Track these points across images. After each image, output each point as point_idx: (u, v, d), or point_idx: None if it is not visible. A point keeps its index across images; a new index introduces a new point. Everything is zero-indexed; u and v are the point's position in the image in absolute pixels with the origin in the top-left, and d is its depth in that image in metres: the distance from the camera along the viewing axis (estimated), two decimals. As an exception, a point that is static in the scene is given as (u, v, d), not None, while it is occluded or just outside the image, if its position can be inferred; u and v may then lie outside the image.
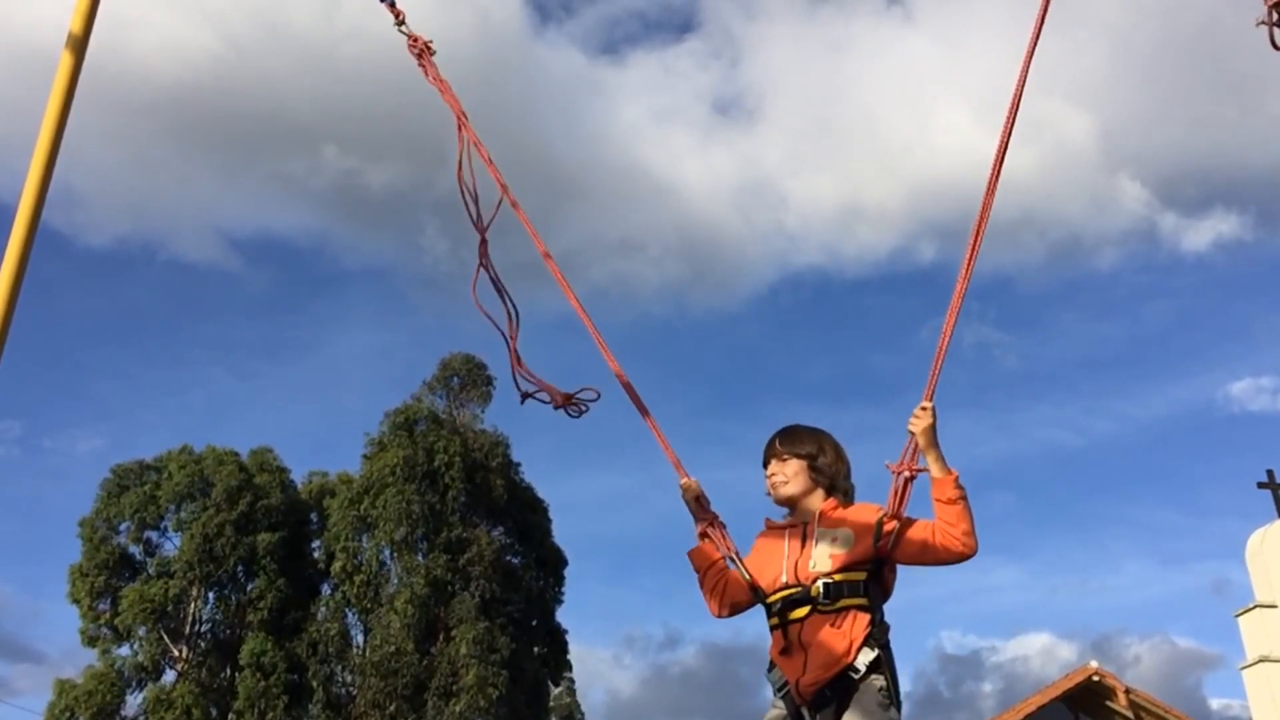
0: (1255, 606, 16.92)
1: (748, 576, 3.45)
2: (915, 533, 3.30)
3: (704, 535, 3.62)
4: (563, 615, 29.28)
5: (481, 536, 27.03)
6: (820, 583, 3.31)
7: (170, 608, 26.12)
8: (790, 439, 3.62)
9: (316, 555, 28.20)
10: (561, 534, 29.70)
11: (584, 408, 3.90)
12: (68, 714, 24.84)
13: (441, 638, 25.86)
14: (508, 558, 27.78)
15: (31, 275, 3.14)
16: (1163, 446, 60.18)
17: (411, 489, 26.53)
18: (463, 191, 3.97)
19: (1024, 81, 3.37)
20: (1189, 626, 64.10)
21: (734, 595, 3.54)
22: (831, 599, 3.29)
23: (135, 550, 27.35)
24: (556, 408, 3.90)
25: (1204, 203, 67.59)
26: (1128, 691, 18.82)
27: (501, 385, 30.59)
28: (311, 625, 26.48)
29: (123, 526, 27.24)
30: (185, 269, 47.74)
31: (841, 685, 3.24)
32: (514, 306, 3.96)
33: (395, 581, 26.54)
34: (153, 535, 27.50)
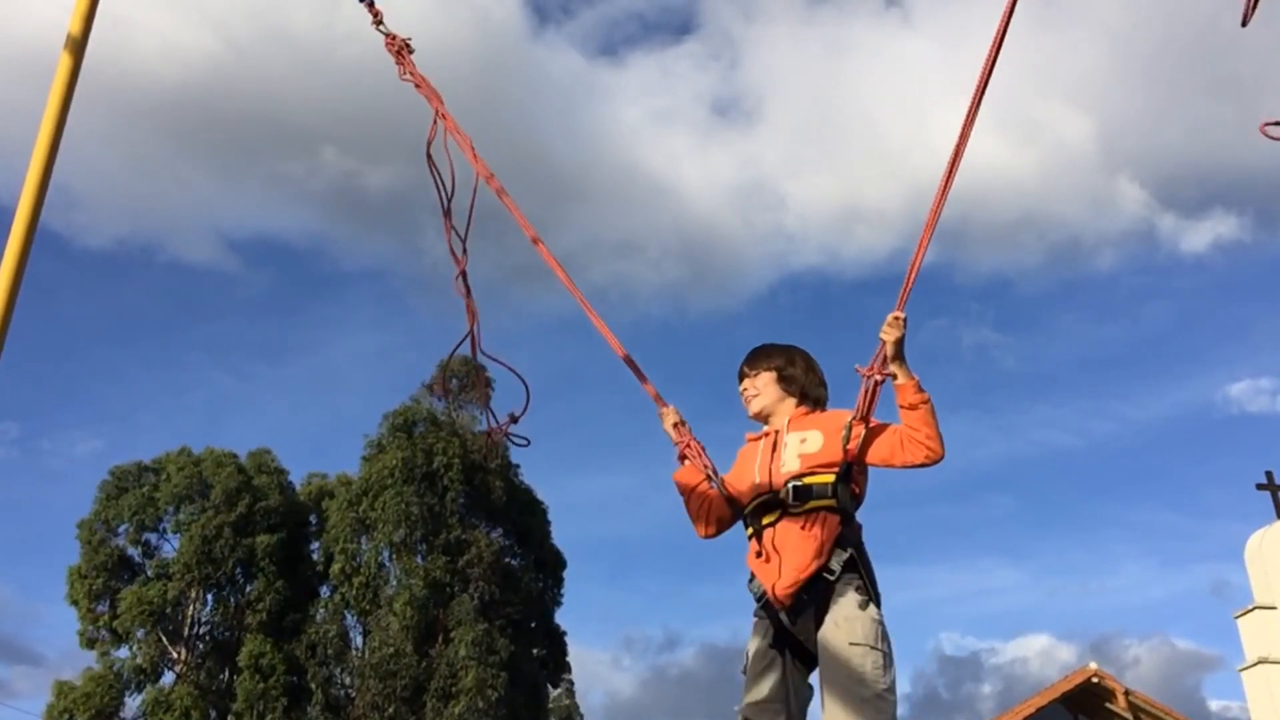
0: (1254, 608, 16.92)
1: (720, 485, 3.54)
2: (883, 435, 3.39)
3: (683, 458, 3.71)
4: (562, 617, 29.32)
5: (480, 538, 27.02)
6: (789, 485, 3.37)
7: (169, 610, 26.09)
8: (758, 355, 3.75)
9: (315, 557, 28.17)
10: (560, 536, 29.73)
11: (507, 440, 3.99)
12: (66, 716, 24.80)
13: (440, 639, 25.84)
14: (507, 559, 27.77)
15: (30, 276, 3.14)
16: (1162, 448, 60.24)
17: (410, 491, 26.53)
18: (435, 175, 3.96)
19: (993, 62, 3.47)
20: (1188, 628, 64.16)
21: (718, 512, 3.60)
22: (800, 500, 3.35)
23: (134, 552, 27.34)
24: (491, 432, 3.98)
25: (1203, 204, 67.69)
26: (1127, 693, 18.81)
27: (502, 386, 30.57)
28: (310, 627, 26.46)
29: (121, 528, 27.22)
30: (184, 270, 47.80)
31: (818, 588, 3.27)
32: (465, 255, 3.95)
33: (394, 583, 26.52)
34: (151, 537, 27.50)
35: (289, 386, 50.98)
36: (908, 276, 3.37)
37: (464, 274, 3.93)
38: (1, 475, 45.17)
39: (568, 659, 29.57)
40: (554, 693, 29.96)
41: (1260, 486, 17.69)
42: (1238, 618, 17.25)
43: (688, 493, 3.66)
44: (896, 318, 3.30)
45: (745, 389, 3.71)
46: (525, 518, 28.66)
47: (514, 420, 3.92)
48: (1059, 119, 53.59)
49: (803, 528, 3.32)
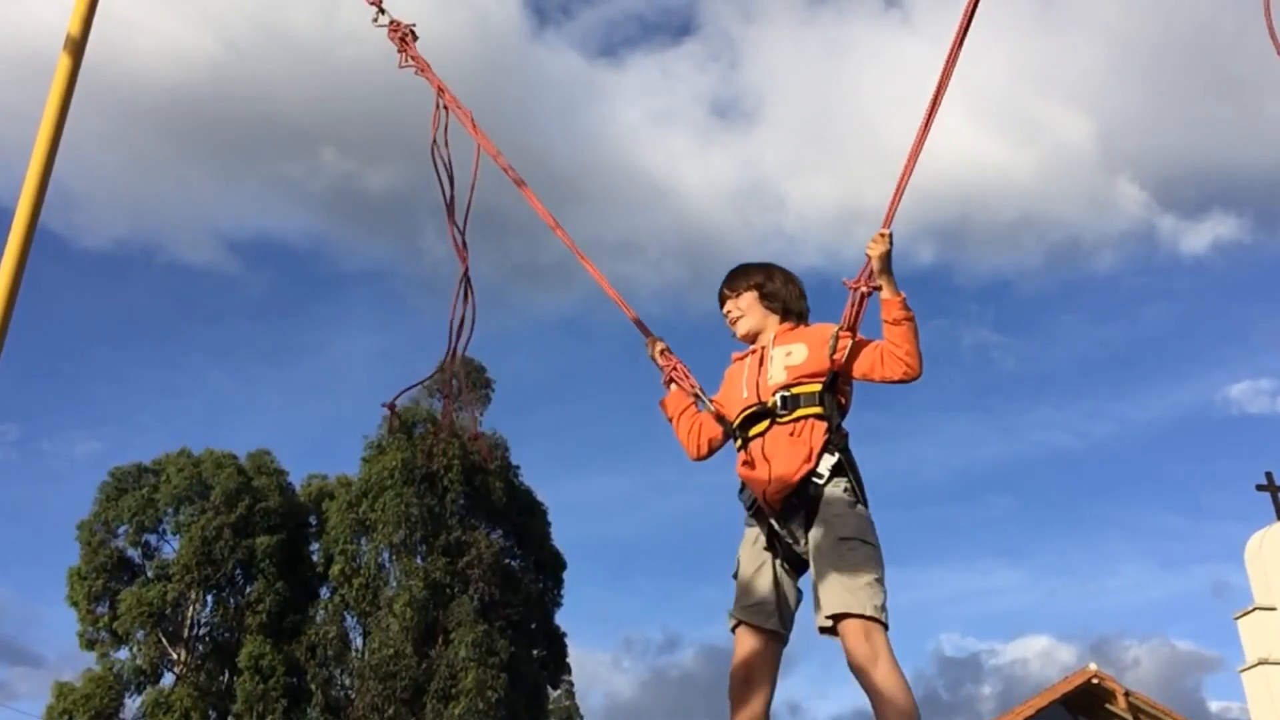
0: (1254, 609, 16.93)
1: (709, 405, 3.62)
2: (867, 348, 3.47)
3: (669, 383, 3.78)
4: (562, 618, 29.32)
5: (480, 539, 27.02)
6: (778, 395, 3.45)
7: (169, 611, 26.09)
8: (737, 275, 3.80)
9: (315, 558, 28.17)
10: (560, 537, 29.73)
11: (458, 401, 4.01)
12: (66, 717, 24.79)
13: (440, 641, 25.84)
14: (507, 560, 27.78)
15: (29, 277, 3.14)
16: (1162, 449, 60.18)
17: (410, 492, 26.53)
18: (436, 165, 3.95)
19: (955, 56, 3.55)
20: (1188, 629, 64.11)
21: (708, 433, 3.68)
22: (789, 409, 3.43)
23: (134, 553, 27.33)
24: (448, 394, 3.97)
25: (1202, 205, 67.61)
26: (1127, 694, 18.81)
27: (501, 388, 30.63)
28: (310, 628, 26.46)
29: (121, 529, 27.21)
30: (183, 271, 47.73)
31: (807, 491, 3.33)
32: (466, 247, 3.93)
33: (394, 584, 26.52)
34: (151, 538, 27.48)
35: (289, 387, 50.94)
36: (894, 195, 3.44)
37: (465, 270, 3.91)
38: (1, 476, 45.15)
39: (568, 660, 29.60)
40: (554, 694, 29.95)
41: (1260, 487, 17.70)
42: (1238, 619, 17.26)
43: (677, 416, 3.75)
44: (883, 234, 3.38)
45: (729, 311, 3.77)
46: (525, 519, 28.66)
47: (458, 390, 3.93)
48: (1059, 120, 53.58)
49: (791, 434, 3.39)
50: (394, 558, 26.88)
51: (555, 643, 28.84)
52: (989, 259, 59.02)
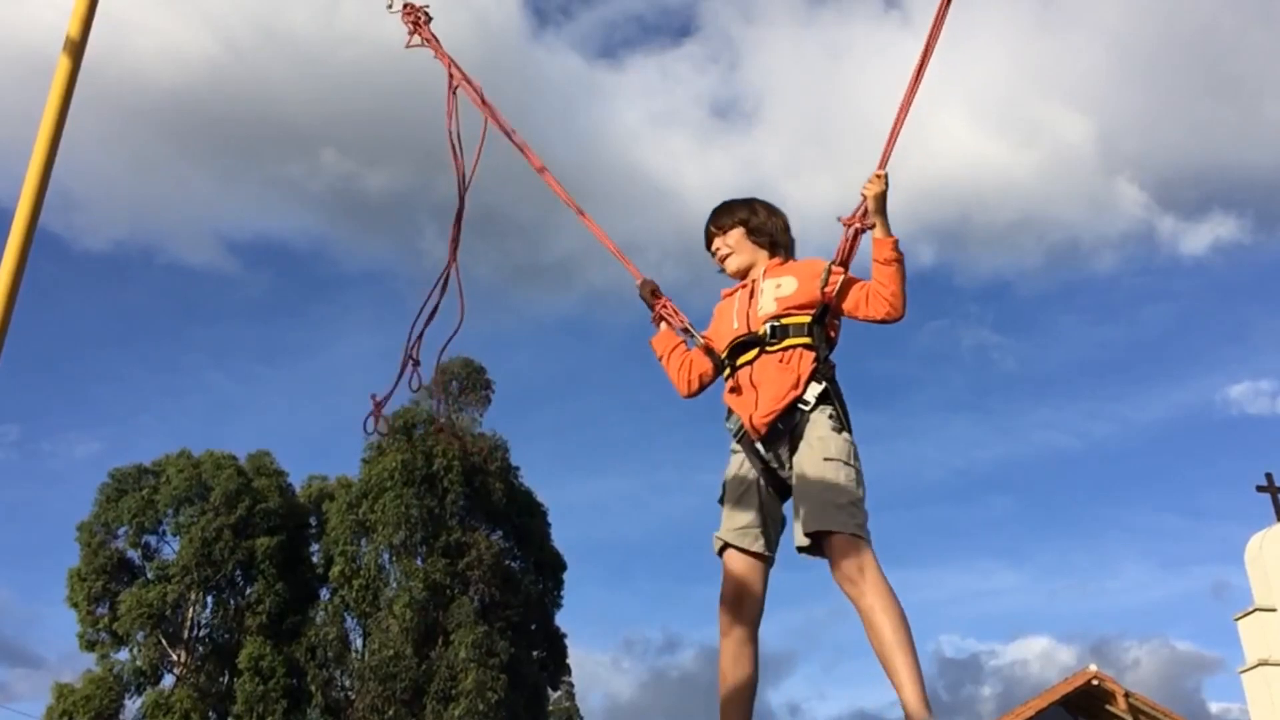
0: (1254, 610, 16.92)
1: (699, 340, 3.67)
2: (855, 286, 3.55)
3: (658, 320, 3.83)
4: (562, 619, 29.32)
5: (480, 540, 27.02)
6: (767, 325, 3.51)
7: (169, 612, 26.10)
8: (721, 213, 3.84)
9: (315, 559, 28.18)
10: (560, 538, 29.73)
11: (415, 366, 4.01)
12: (66, 718, 24.80)
13: (440, 642, 25.84)
14: (507, 562, 27.77)
15: (29, 278, 3.14)
16: (1162, 449, 60.15)
17: (410, 493, 26.53)
18: (452, 144, 3.97)
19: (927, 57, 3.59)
20: (1188, 630, 64.10)
21: (699, 368, 3.72)
22: (778, 339, 3.49)
23: (133, 554, 27.34)
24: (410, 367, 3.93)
25: (1202, 205, 67.59)
26: (1127, 695, 18.80)
27: (501, 389, 30.61)
28: (310, 629, 26.46)
29: (121, 530, 27.21)
30: (183, 272, 47.72)
31: (793, 418, 3.39)
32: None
33: (394, 585, 26.52)
34: (151, 539, 27.49)
35: (289, 388, 50.92)
36: (889, 137, 3.51)
37: (454, 252, 3.92)
38: (1, 477, 45.15)
39: (568, 661, 29.61)
40: (554, 695, 29.96)
41: (1260, 489, 17.69)
42: (1238, 620, 17.25)
43: (667, 353, 3.79)
44: (879, 175, 3.45)
45: (718, 249, 3.81)
46: (525, 520, 28.66)
47: (415, 361, 3.95)
48: (1058, 120, 53.59)
49: (780, 362, 3.46)
50: (394, 559, 26.88)
51: (555, 644, 28.84)
52: (989, 259, 59.04)
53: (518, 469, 29.39)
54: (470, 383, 29.73)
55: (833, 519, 3.21)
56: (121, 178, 50.23)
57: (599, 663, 48.84)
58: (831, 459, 3.30)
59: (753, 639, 3.38)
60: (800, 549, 3.31)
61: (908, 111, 3.54)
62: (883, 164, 3.48)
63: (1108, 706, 18.90)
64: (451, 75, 4.01)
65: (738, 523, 3.42)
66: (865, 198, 3.46)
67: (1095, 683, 18.80)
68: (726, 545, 3.42)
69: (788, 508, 3.46)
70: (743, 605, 3.38)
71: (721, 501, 3.51)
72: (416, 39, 4.05)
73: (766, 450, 3.41)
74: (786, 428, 3.39)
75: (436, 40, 4.04)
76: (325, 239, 54.15)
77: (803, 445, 3.36)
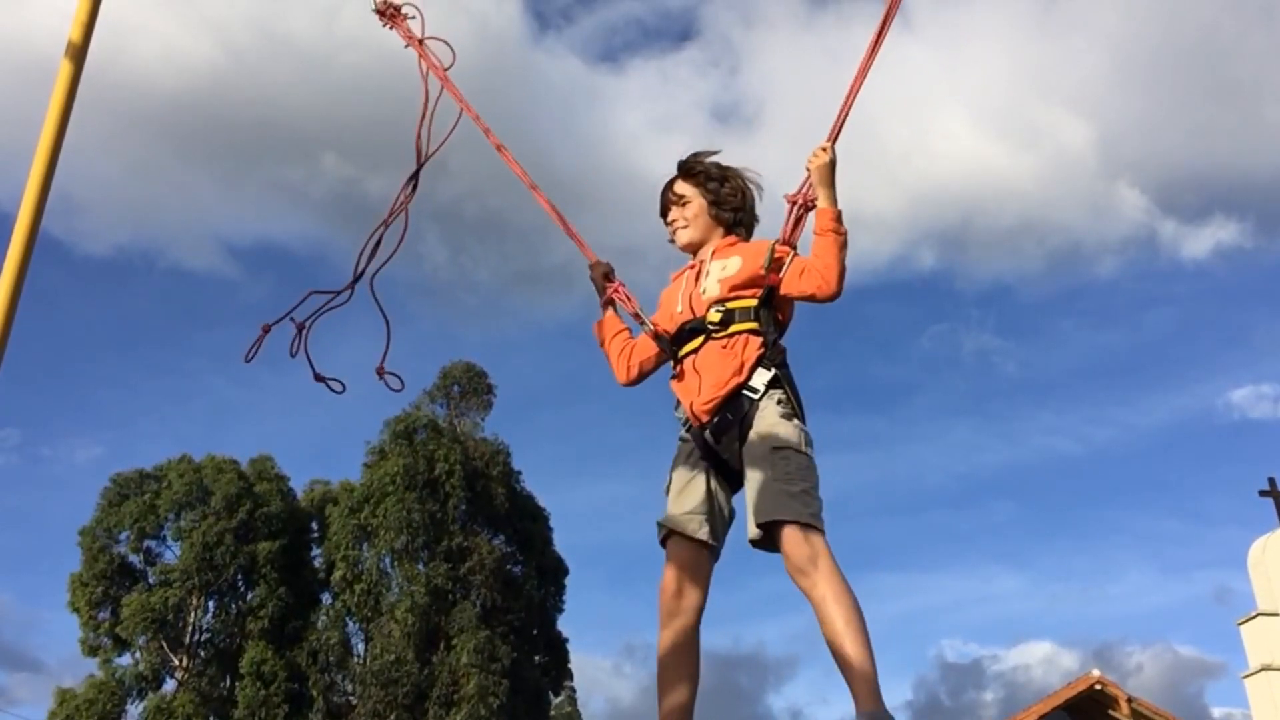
0: (1257, 615, 16.91)
1: (648, 326, 3.51)
2: (798, 262, 3.37)
3: (607, 304, 3.70)
4: (563, 624, 29.32)
5: (482, 545, 27.02)
6: (712, 309, 3.38)
7: (170, 617, 26.09)
8: (688, 178, 3.65)
9: (317, 564, 28.19)
10: (562, 542, 29.74)
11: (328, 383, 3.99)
12: (67, 723, 24.81)
13: (442, 647, 25.83)
14: (508, 566, 27.77)
15: (31, 283, 3.13)
16: (1164, 454, 60.13)
17: (412, 497, 26.53)
18: (418, 136, 3.93)
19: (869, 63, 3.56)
20: (1191, 635, 64.11)
21: (639, 355, 3.60)
22: (723, 325, 3.36)
23: (135, 559, 27.36)
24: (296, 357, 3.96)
25: (1203, 210, 67.65)
26: (1130, 700, 18.79)
27: (502, 393, 30.61)
28: (312, 634, 26.45)
29: (122, 535, 27.24)
30: (185, 277, 47.71)
31: (741, 405, 3.27)
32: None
33: (396, 590, 26.52)
34: (152, 544, 27.52)
35: (290, 393, 50.81)
36: (840, 111, 3.47)
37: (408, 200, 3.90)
38: (3, 482, 45.16)
39: (569, 666, 29.60)
40: (555, 700, 29.96)
41: (1263, 493, 17.68)
42: (1241, 625, 17.24)
43: (609, 338, 3.68)
44: (824, 148, 3.38)
45: (674, 220, 3.64)
46: (527, 524, 28.66)
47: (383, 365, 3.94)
48: (1059, 125, 53.64)
49: (724, 348, 3.34)
50: (395, 563, 26.87)
51: (557, 648, 28.82)
52: (990, 264, 59.02)
53: (519, 473, 29.43)
54: (472, 387, 29.74)
55: (785, 508, 3.09)
56: (123, 182, 50.27)
57: (601, 667, 48.96)
58: (781, 447, 3.18)
59: (694, 631, 3.26)
60: (753, 542, 3.18)
61: (860, 86, 3.49)
62: (831, 136, 3.43)
63: (1110, 711, 18.88)
64: (421, 57, 3.97)
65: (682, 508, 3.32)
66: (809, 170, 3.39)
67: (1098, 688, 18.79)
68: (671, 533, 3.31)
69: (739, 500, 3.34)
70: (685, 595, 3.26)
71: (667, 491, 3.40)
72: (413, 35, 4.06)
73: (715, 441, 3.30)
74: (736, 417, 3.25)
75: (410, 32, 4.01)
76: (326, 244, 54.14)
77: (752, 434, 3.24)
